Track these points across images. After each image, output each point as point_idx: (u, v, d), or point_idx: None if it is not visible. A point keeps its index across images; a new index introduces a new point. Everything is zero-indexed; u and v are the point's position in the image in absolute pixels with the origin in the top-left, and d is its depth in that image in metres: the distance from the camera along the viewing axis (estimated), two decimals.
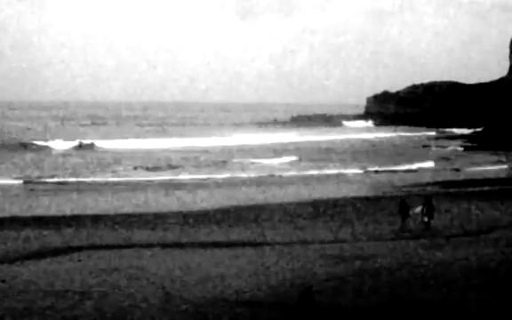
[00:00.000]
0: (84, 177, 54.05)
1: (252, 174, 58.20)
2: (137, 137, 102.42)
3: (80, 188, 48.15)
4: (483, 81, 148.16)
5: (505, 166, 66.98)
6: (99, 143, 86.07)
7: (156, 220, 33.38)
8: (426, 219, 29.28)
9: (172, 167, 62.76)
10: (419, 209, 29.55)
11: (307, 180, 54.70)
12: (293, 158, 73.29)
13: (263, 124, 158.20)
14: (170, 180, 53.77)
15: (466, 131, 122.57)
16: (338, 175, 58.94)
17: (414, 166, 65.73)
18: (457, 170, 63.47)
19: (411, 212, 29.60)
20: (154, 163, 65.77)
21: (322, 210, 36.25)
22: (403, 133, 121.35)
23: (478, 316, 15.18)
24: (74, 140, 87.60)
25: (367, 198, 41.62)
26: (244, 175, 57.70)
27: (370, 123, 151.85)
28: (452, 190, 45.86)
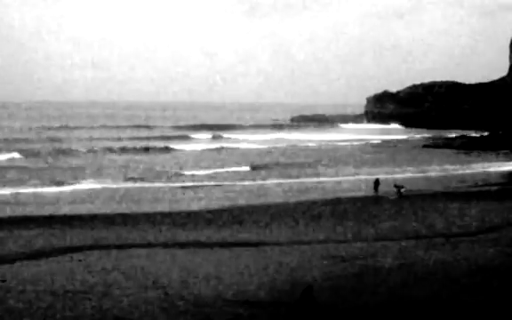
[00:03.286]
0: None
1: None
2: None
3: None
4: (483, 81, 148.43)
5: (506, 166, 66.97)
6: None
7: (156, 219, 33.37)
8: (402, 190, 41.78)
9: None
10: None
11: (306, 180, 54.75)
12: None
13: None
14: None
15: (466, 131, 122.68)
16: (337, 176, 58.96)
17: (416, 167, 65.73)
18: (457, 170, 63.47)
19: (379, 188, 43.94)
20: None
21: (322, 210, 36.25)
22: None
23: (478, 315, 15.18)
24: None
25: (367, 198, 41.65)
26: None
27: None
28: (452, 190, 45.87)
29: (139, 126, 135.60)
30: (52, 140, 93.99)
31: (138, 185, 49.87)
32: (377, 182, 45.00)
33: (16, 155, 70.26)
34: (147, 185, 49.85)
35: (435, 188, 47.26)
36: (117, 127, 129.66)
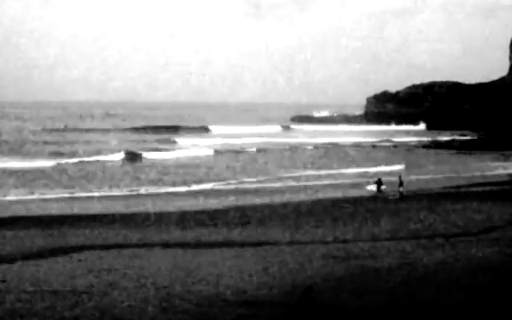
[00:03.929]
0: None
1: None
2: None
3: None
4: (483, 81, 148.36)
5: (506, 166, 66.97)
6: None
7: (156, 219, 33.38)
8: (400, 189, 41.61)
9: None
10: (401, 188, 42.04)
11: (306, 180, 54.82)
12: None
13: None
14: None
15: (466, 131, 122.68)
16: (336, 175, 59.07)
17: (416, 167, 65.73)
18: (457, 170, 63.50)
19: (382, 187, 43.99)
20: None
21: (322, 210, 36.25)
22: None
23: (478, 316, 15.18)
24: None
25: (368, 198, 41.67)
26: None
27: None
28: (452, 190, 45.88)
29: (179, 127, 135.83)
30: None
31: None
32: (379, 182, 44.99)
33: (121, 155, 72.98)
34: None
35: (435, 188, 47.28)
36: (171, 128, 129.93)
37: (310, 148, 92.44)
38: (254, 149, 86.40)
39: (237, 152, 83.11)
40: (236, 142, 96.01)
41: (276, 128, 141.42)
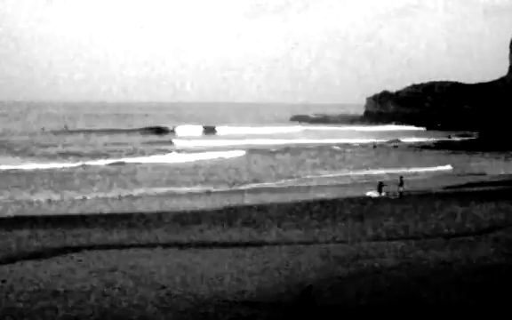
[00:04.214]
0: None
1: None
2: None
3: None
4: (483, 81, 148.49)
5: (505, 166, 66.94)
6: None
7: (155, 220, 33.37)
8: (401, 189, 42.31)
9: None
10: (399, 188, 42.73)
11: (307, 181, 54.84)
12: None
13: None
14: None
15: (466, 131, 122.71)
16: (335, 176, 59.10)
17: (418, 169, 65.72)
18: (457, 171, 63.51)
19: (383, 188, 43.77)
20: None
21: (322, 210, 36.25)
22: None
23: (478, 316, 15.18)
24: None
25: (368, 198, 41.67)
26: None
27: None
28: (451, 190, 45.88)
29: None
30: None
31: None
32: (381, 184, 45.03)
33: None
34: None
35: (435, 188, 47.27)
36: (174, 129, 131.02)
37: (310, 148, 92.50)
38: (274, 150, 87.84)
39: (245, 153, 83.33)
40: (243, 143, 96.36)
41: (297, 128, 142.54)
